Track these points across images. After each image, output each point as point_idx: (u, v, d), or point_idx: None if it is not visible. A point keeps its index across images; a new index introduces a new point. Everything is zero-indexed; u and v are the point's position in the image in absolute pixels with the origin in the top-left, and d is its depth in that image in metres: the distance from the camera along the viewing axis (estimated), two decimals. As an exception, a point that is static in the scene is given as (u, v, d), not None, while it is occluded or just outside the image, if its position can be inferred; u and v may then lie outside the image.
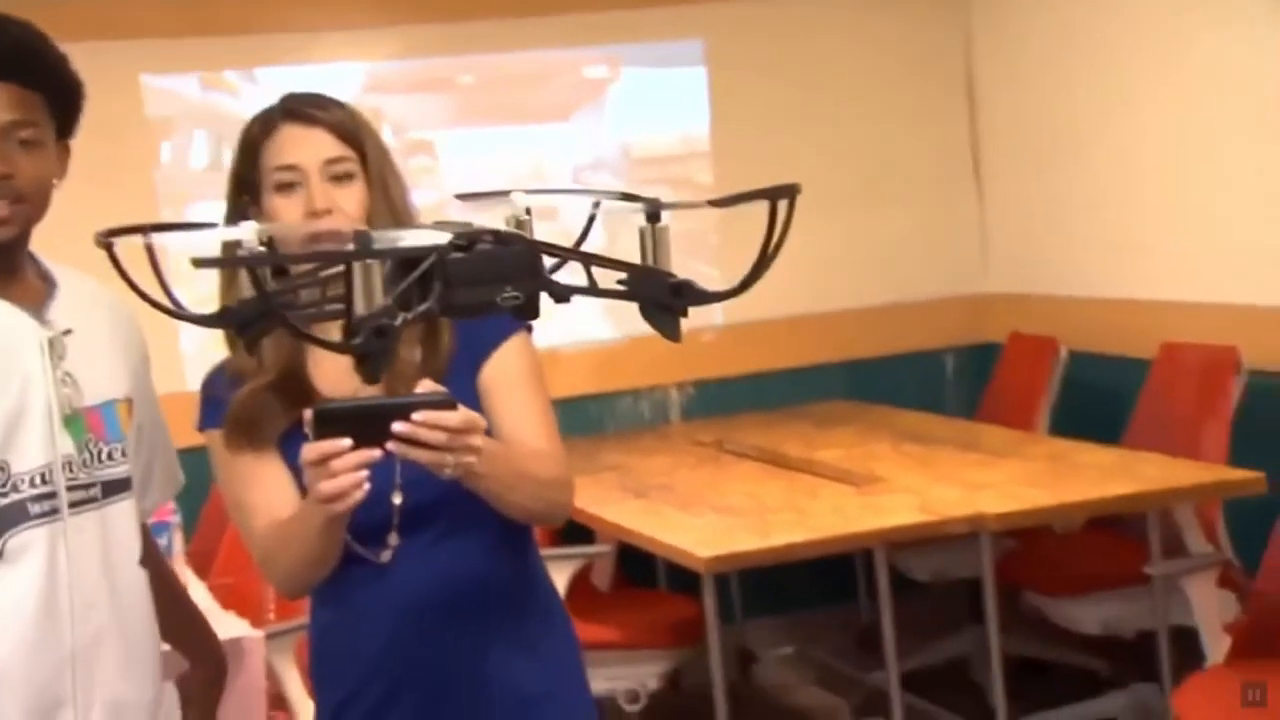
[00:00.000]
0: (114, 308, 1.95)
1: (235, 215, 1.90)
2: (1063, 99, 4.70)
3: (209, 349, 1.94)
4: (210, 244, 1.36)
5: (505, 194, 1.34)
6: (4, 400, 1.81)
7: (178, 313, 1.30)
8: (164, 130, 4.48)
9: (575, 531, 3.59)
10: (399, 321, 1.20)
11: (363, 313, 1.21)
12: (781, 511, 3.48)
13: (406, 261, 1.24)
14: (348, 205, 1.86)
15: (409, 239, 1.26)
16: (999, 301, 5.04)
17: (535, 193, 1.35)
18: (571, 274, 1.31)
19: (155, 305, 1.30)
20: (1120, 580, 3.68)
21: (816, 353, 4.96)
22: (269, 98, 1.97)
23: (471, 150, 4.72)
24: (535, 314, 1.30)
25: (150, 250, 1.30)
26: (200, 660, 2.12)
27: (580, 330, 4.64)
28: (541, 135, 4.82)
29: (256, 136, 1.89)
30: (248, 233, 1.28)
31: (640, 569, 4.14)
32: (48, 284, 1.90)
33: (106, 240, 1.29)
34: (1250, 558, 3.40)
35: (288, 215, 1.85)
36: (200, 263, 1.27)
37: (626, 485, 3.86)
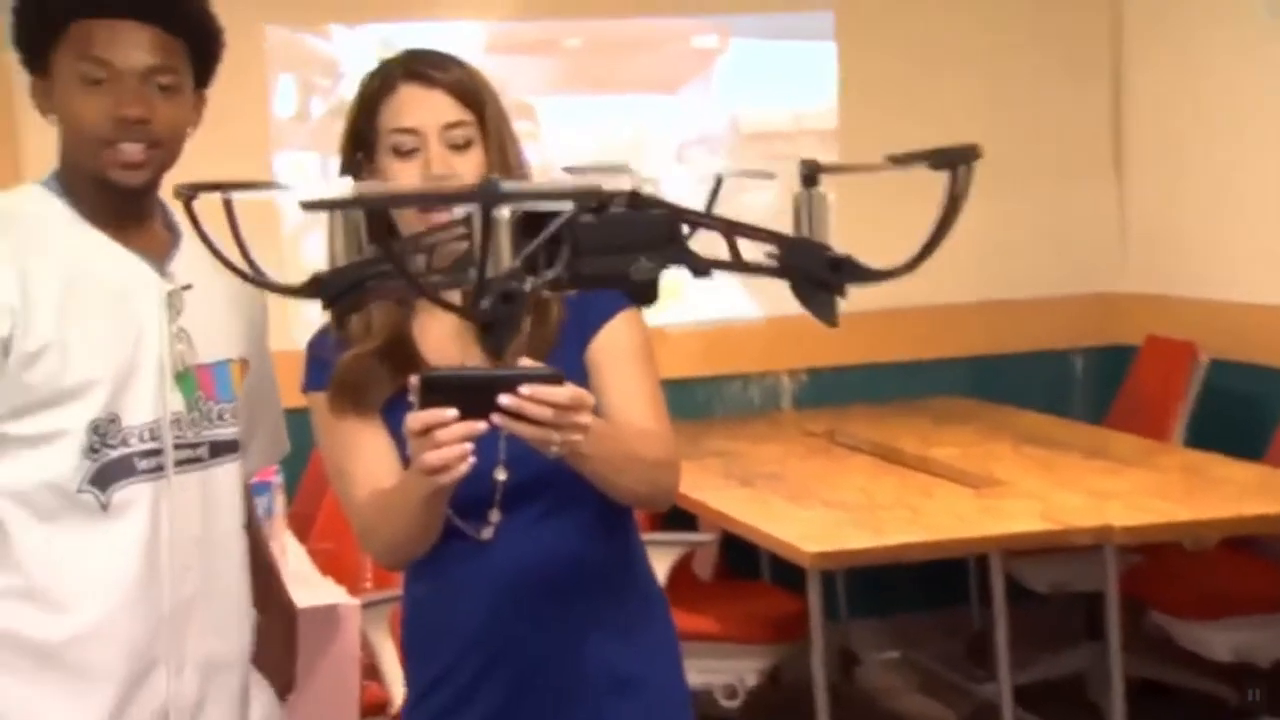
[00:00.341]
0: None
1: (349, 171, 1.90)
2: (1215, 89, 4.59)
3: (318, 314, 1.93)
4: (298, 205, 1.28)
5: (621, 168, 1.25)
6: (119, 352, 1.87)
7: (257, 280, 1.26)
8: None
9: (678, 518, 3.58)
10: (527, 287, 1.13)
11: (483, 274, 1.12)
12: (894, 509, 3.47)
13: (531, 222, 1.15)
14: (465, 172, 1.85)
15: (537, 191, 1.18)
16: (1135, 301, 4.95)
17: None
18: (704, 246, 1.22)
19: (234, 270, 1.25)
20: (1256, 605, 3.62)
21: (937, 346, 4.90)
22: (361, 42, 1.94)
23: (573, 117, 4.72)
24: (654, 298, 1.21)
25: (229, 209, 1.25)
26: (274, 614, 2.13)
27: (692, 310, 4.61)
28: (646, 106, 4.80)
29: (375, 93, 1.88)
30: (343, 186, 1.22)
31: (744, 560, 4.14)
32: (173, 235, 1.97)
33: (187, 194, 1.23)
34: None
35: (405, 180, 1.85)
36: (309, 205, 1.21)
37: (733, 473, 3.86)
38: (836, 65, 4.86)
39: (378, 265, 1.19)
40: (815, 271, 1.19)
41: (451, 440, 1.62)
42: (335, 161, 1.94)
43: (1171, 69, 4.79)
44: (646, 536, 2.13)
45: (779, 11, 4.82)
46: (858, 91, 4.85)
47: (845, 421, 4.42)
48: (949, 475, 3.73)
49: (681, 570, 3.63)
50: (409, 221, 1.81)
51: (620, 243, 1.18)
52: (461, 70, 1.89)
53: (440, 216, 1.83)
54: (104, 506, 1.85)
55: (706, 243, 1.23)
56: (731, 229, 1.22)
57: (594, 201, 1.17)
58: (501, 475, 1.83)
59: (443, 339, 1.85)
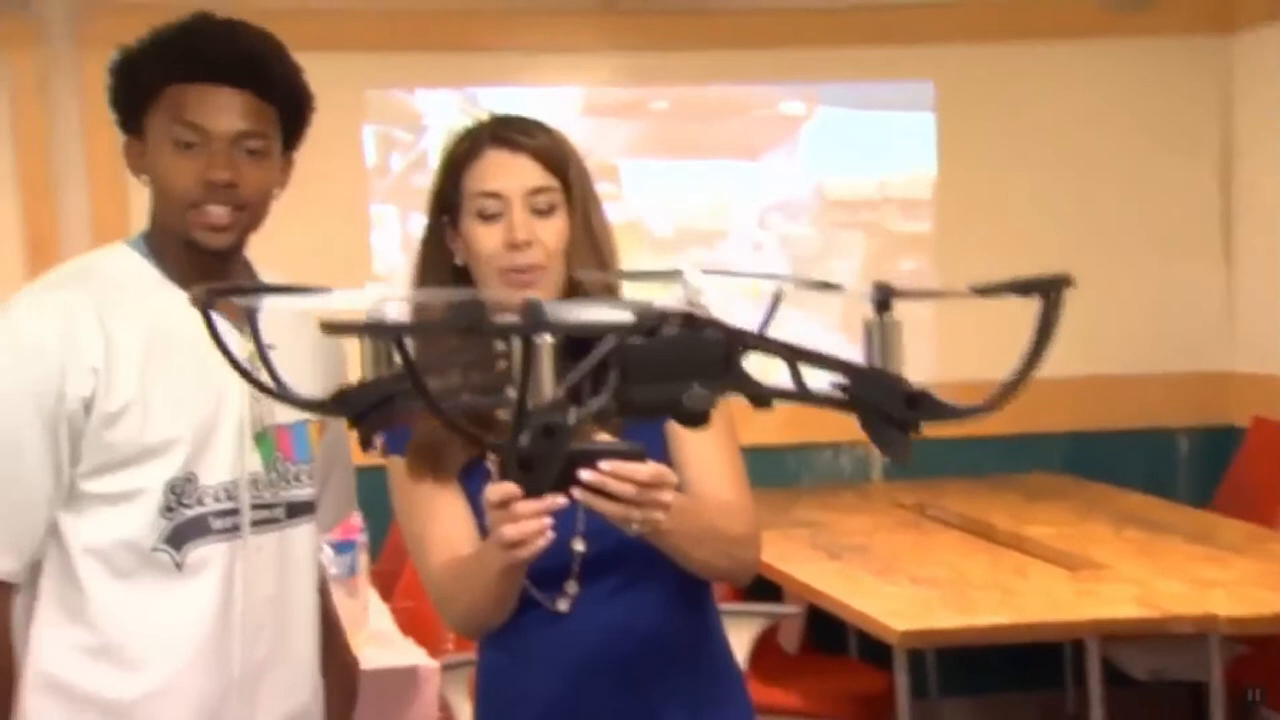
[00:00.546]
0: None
1: (433, 234, 1.91)
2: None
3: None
4: (355, 300, 1.19)
5: (676, 274, 1.17)
6: (199, 412, 1.88)
7: (281, 395, 1.23)
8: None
9: (764, 588, 3.54)
10: (571, 420, 1.07)
11: (524, 404, 1.06)
12: (986, 589, 3.42)
13: (577, 343, 1.10)
14: (548, 238, 1.86)
15: (583, 314, 1.11)
16: (1244, 381, 4.87)
17: (715, 274, 1.17)
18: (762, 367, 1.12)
19: (252, 383, 1.24)
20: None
21: (1034, 420, 4.81)
22: (443, 98, 1.95)
23: (658, 180, 4.77)
24: (706, 423, 1.13)
25: (252, 319, 1.23)
26: (336, 675, 2.12)
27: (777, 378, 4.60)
28: (729, 170, 4.83)
29: (461, 156, 1.89)
30: (373, 300, 1.15)
31: (830, 634, 4.11)
32: None
33: (205, 301, 1.21)
34: None
35: (487, 244, 1.85)
36: (330, 328, 1.17)
37: (819, 544, 3.84)
38: (935, 134, 4.84)
39: (405, 381, 1.13)
40: (889, 407, 1.12)
41: (530, 514, 1.62)
42: (415, 217, 1.95)
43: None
44: (729, 607, 2.12)
45: (875, 79, 4.83)
46: (955, 161, 4.84)
47: (937, 495, 4.38)
48: (1044, 555, 3.68)
49: (767, 643, 3.62)
50: (490, 282, 1.82)
51: (673, 368, 1.12)
52: (547, 136, 1.90)
53: (524, 277, 1.85)
54: (179, 565, 1.86)
55: (767, 363, 1.16)
56: (794, 355, 1.14)
57: (646, 325, 1.11)
58: (579, 547, 1.83)
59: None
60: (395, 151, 4.59)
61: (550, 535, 1.64)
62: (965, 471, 4.67)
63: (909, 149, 4.87)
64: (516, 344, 1.08)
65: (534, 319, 1.05)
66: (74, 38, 4.30)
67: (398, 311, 1.17)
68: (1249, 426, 4.58)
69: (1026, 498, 4.36)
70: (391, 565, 3.56)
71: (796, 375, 1.15)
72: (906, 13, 4.72)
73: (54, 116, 4.35)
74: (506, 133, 1.88)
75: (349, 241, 4.49)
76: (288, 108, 1.91)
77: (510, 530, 1.64)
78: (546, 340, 1.07)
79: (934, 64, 4.81)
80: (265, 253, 1.98)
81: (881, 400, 1.12)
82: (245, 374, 1.28)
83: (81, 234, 4.34)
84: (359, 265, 4.45)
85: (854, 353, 1.13)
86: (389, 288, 1.28)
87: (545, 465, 1.09)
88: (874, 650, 3.66)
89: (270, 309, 1.91)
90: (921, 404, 1.11)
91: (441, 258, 1.90)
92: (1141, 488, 4.55)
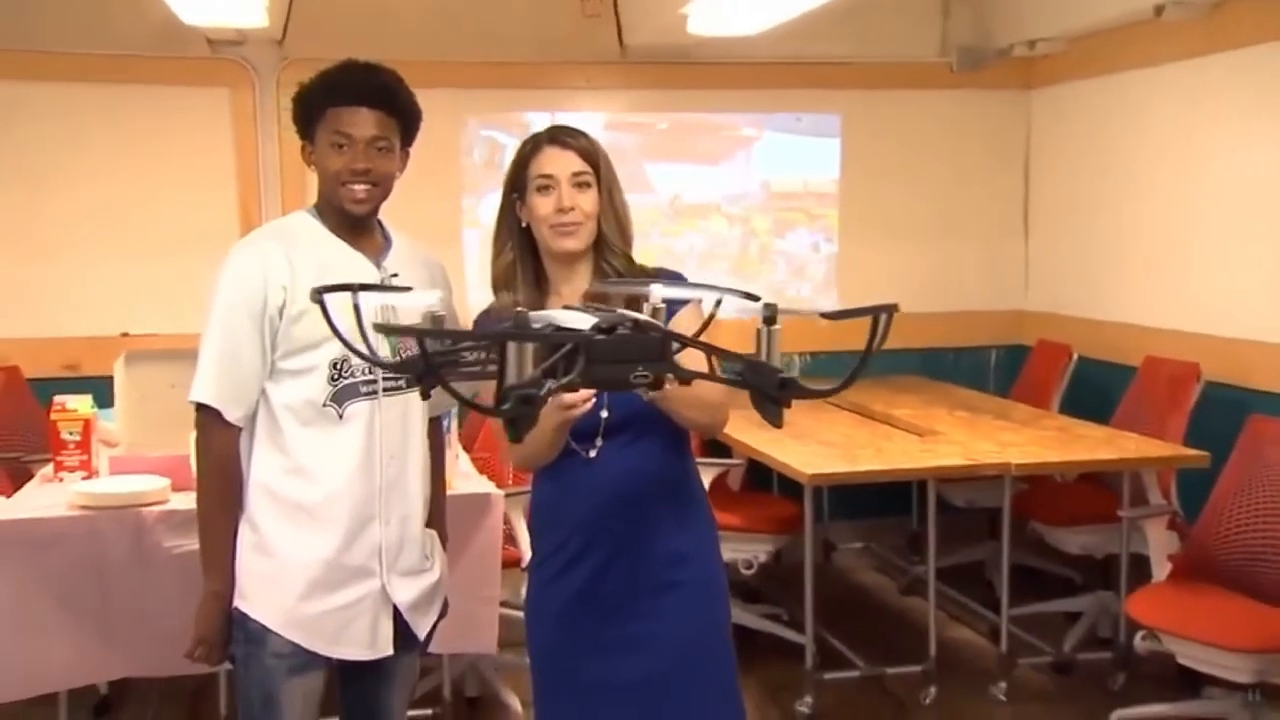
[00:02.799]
0: (428, 261, 2.00)
1: (507, 203, 1.87)
2: (1091, 178, 4.51)
3: (486, 297, 1.95)
4: (413, 301, 1.24)
5: (645, 284, 1.19)
6: (349, 316, 1.84)
7: (372, 359, 1.23)
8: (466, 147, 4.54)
9: (718, 448, 3.59)
10: (544, 391, 1.06)
11: (512, 382, 1.05)
12: (865, 448, 3.43)
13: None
14: (585, 205, 1.82)
15: (562, 320, 1.10)
16: (1033, 316, 4.87)
17: (672, 287, 1.18)
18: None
19: (354, 352, 1.22)
20: (1098, 518, 3.59)
21: (902, 340, 4.82)
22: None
23: (659, 175, 4.70)
24: (660, 388, 1.12)
25: (357, 309, 1.22)
26: (439, 491, 2.10)
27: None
28: (706, 172, 4.76)
29: (527, 153, 1.85)
30: (433, 299, 1.15)
31: (761, 478, 4.09)
32: (386, 242, 1.96)
33: (318, 297, 1.20)
34: (1191, 511, 3.29)
35: (543, 208, 1.81)
36: (379, 328, 1.18)
37: (756, 420, 3.77)
38: (841, 151, 4.80)
39: (447, 355, 1.14)
40: (768, 389, 1.13)
41: (581, 398, 1.62)
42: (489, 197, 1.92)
43: (1064, 166, 4.69)
44: (698, 460, 2.12)
45: (803, 111, 4.77)
46: (855, 168, 4.80)
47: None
48: (903, 426, 3.69)
49: (720, 483, 3.62)
50: (544, 235, 1.81)
51: (625, 356, 1.11)
52: (586, 139, 1.86)
53: (568, 229, 1.79)
54: (340, 416, 1.85)
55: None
56: (710, 350, 1.14)
57: (605, 326, 1.10)
58: (605, 414, 1.80)
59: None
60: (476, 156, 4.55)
61: (591, 404, 1.65)
62: (854, 374, 4.68)
63: (824, 160, 4.80)
64: (512, 349, 1.06)
65: (521, 327, 1.05)
66: (275, 80, 4.27)
67: (446, 310, 1.20)
68: (1034, 346, 4.59)
69: (894, 391, 4.34)
70: (472, 430, 3.55)
71: (710, 363, 1.16)
72: (824, 67, 4.66)
73: (259, 131, 4.31)
74: (558, 135, 1.85)
75: (445, 210, 4.43)
76: (405, 120, 1.89)
77: (569, 396, 1.62)
78: (528, 346, 1.05)
79: (841, 103, 4.75)
80: (392, 216, 1.96)
81: (763, 384, 1.13)
82: (348, 345, 1.28)
83: (274, 209, 4.32)
84: (453, 223, 4.43)
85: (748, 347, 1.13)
86: (442, 295, 1.31)
87: (521, 422, 1.06)
88: (790, 488, 3.66)
89: (397, 251, 1.92)
90: (789, 386, 1.12)
91: (513, 220, 1.85)
92: (966, 385, 4.58)
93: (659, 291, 1.15)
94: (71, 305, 4.24)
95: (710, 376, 1.10)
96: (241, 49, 4.28)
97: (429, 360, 1.11)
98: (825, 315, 1.12)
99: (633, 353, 1.11)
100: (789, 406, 1.11)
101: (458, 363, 1.14)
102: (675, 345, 1.14)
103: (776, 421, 1.12)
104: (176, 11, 3.65)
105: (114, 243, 4.26)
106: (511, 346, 1.06)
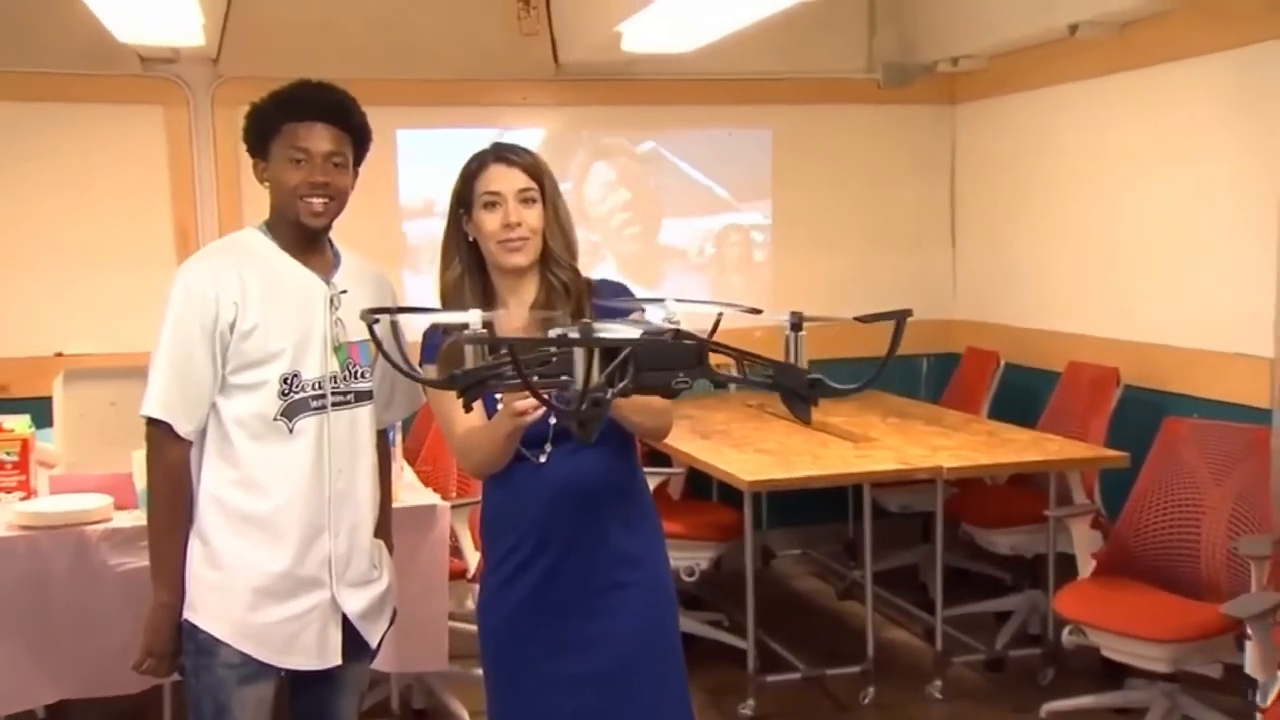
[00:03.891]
0: (376, 278, 2.02)
1: (454, 220, 1.88)
2: (1014, 190, 4.62)
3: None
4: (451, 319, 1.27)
5: (660, 301, 1.23)
6: (299, 331, 1.87)
7: (414, 376, 1.28)
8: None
9: (660, 458, 3.60)
10: (609, 395, 1.10)
11: (584, 385, 1.09)
12: (802, 455, 3.45)
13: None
14: (531, 220, 1.85)
15: (614, 333, 1.14)
16: (961, 325, 4.95)
17: (685, 302, 1.21)
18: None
19: (398, 369, 1.25)
20: (1026, 519, 3.66)
21: (837, 350, 4.91)
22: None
23: (594, 185, 4.74)
24: (674, 396, 1.16)
25: (395, 328, 1.27)
26: (386, 502, 2.11)
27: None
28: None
29: (474, 170, 1.87)
30: (472, 318, 1.19)
31: (701, 486, 4.11)
32: (335, 258, 1.97)
33: (371, 319, 1.24)
34: (1113, 509, 3.38)
35: (490, 224, 1.84)
36: (465, 339, 1.20)
37: (696, 429, 3.83)
38: (770, 163, 4.86)
39: (494, 369, 1.18)
40: (798, 388, 1.19)
41: (530, 405, 1.67)
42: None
43: (986, 180, 4.80)
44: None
45: (734, 126, 4.82)
46: (785, 180, 4.86)
47: (772, 400, 4.24)
48: (838, 434, 3.71)
49: (660, 491, 3.61)
50: (491, 250, 1.82)
51: (666, 363, 1.15)
52: (530, 156, 1.88)
53: (514, 245, 1.82)
54: (290, 430, 1.86)
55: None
56: (741, 356, 1.19)
57: (655, 337, 1.15)
58: (553, 421, 1.80)
59: (516, 330, 1.82)
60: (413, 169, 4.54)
61: (539, 412, 1.68)
62: (790, 384, 4.73)
63: (760, 171, 4.84)
64: (581, 356, 1.10)
65: (586, 336, 1.09)
66: (209, 98, 4.23)
67: (474, 321, 1.24)
68: (963, 353, 4.65)
69: (828, 400, 4.26)
70: (415, 443, 3.55)
71: (740, 368, 1.20)
72: (755, 83, 4.71)
73: (194, 149, 4.27)
74: (504, 152, 1.88)
75: (384, 223, 4.43)
76: (357, 138, 1.91)
77: (520, 403, 1.68)
78: (595, 353, 1.10)
79: (772, 117, 4.80)
80: (338, 230, 1.97)
81: (794, 384, 1.19)
82: (396, 366, 1.31)
83: (210, 226, 4.28)
84: (392, 237, 4.42)
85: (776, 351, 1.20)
86: (480, 314, 1.32)
87: (593, 422, 1.11)
88: (729, 495, 3.67)
89: (346, 268, 1.95)
90: (818, 386, 1.18)
91: (460, 236, 1.88)
92: (898, 392, 4.60)
93: (672, 306, 1.21)
94: (2, 326, 4.18)
95: (743, 380, 1.16)
96: (175, 67, 4.24)
97: (480, 372, 1.15)
98: (858, 319, 1.21)
99: (676, 360, 1.15)
100: (817, 404, 1.19)
101: (501, 375, 1.19)
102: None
103: (807, 418, 1.19)
104: (111, 30, 3.63)
105: (47, 263, 4.20)
106: (580, 353, 1.09)
